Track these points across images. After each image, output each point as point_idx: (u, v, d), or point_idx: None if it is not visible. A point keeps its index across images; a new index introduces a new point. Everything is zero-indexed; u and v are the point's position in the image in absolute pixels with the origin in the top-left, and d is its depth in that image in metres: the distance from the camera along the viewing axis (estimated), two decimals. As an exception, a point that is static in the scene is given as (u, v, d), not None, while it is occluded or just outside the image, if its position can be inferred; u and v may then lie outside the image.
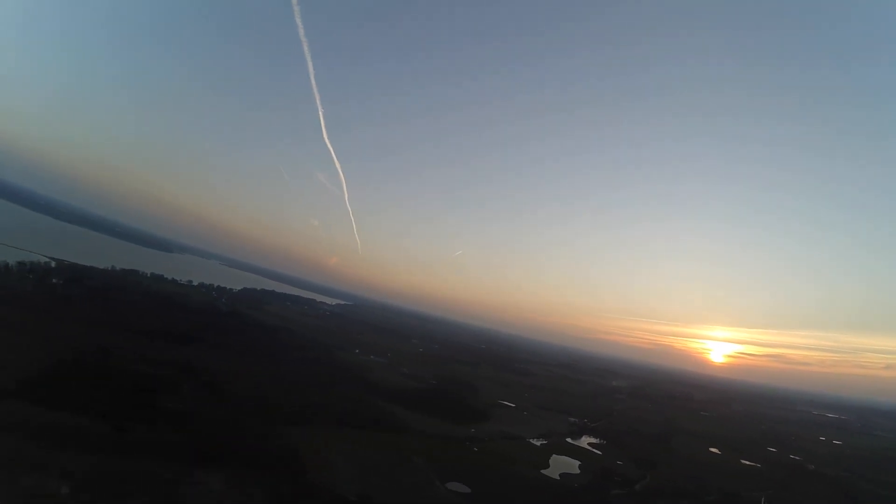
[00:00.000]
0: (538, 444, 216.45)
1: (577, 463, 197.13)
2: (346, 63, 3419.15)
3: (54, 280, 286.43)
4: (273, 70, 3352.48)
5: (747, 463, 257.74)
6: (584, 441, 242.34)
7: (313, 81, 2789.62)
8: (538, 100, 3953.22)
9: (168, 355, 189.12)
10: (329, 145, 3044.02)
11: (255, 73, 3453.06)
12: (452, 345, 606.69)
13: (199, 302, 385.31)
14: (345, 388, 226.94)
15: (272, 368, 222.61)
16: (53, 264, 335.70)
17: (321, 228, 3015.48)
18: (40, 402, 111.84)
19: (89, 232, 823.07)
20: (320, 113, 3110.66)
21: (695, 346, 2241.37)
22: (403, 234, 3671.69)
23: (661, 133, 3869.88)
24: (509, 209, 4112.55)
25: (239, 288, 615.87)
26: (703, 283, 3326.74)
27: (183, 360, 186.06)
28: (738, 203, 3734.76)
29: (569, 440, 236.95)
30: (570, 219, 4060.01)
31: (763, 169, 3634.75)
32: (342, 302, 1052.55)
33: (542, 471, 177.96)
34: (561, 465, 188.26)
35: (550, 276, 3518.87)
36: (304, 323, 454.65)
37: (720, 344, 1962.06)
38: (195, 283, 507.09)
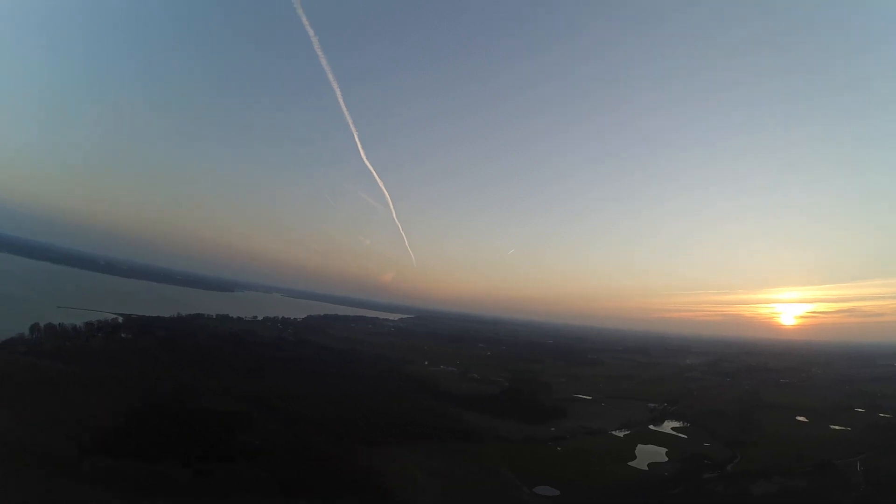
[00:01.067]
0: (621, 435, 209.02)
1: (664, 450, 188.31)
2: (370, 80, 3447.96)
3: (123, 335, 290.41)
4: (303, 101, 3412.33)
5: (837, 428, 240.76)
6: (667, 426, 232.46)
7: (343, 105, 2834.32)
8: (569, 88, 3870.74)
9: (241, 390, 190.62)
10: (368, 164, 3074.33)
11: (286, 106, 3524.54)
12: (519, 344, 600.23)
13: (266, 335, 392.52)
14: (419, 400, 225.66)
15: (345, 390, 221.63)
16: (121, 320, 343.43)
17: (373, 247, 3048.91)
18: (121, 454, 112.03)
19: (152, 284, 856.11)
20: (355, 135, 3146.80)
21: (763, 311, 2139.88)
22: (454, 240, 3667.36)
23: (695, 92, 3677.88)
24: (554, 199, 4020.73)
25: (303, 317, 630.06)
26: (763, 245, 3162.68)
27: (256, 393, 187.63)
28: (785, 154, 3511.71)
29: (651, 427, 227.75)
30: (617, 200, 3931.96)
31: (809, 109, 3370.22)
32: (405, 316, 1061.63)
33: (630, 463, 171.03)
34: (648, 455, 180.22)
35: (606, 261, 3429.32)
36: (370, 342, 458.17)
37: (789, 306, 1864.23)
38: (260, 318, 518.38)
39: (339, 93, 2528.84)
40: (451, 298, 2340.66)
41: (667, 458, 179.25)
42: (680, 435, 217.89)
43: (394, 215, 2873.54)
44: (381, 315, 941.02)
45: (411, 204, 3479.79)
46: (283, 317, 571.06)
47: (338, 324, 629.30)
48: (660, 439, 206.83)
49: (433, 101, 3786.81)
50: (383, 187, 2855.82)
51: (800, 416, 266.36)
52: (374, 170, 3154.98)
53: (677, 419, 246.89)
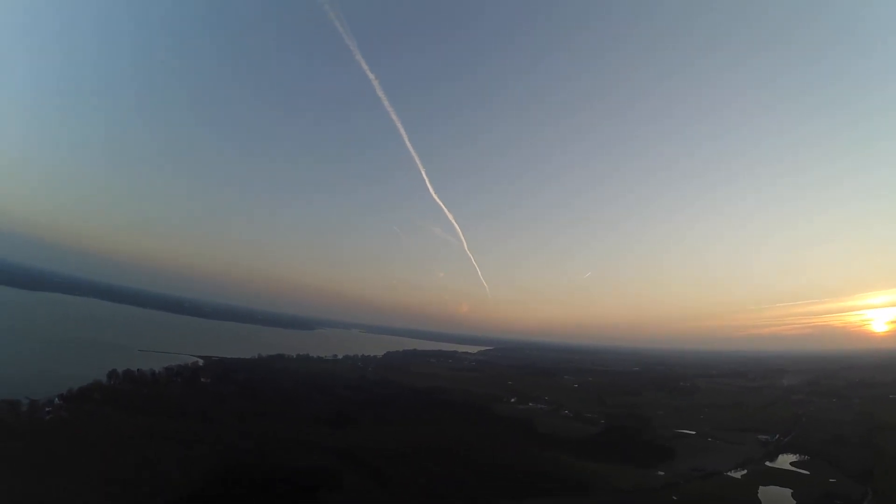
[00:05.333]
0: (738, 475, 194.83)
1: (789, 491, 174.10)
2: (434, 121, 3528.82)
3: (203, 379, 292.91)
4: (373, 147, 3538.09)
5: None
6: (785, 461, 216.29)
7: (410, 146, 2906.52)
8: (634, 101, 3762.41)
9: (325, 442, 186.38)
10: (437, 199, 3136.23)
11: (358, 153, 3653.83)
12: (605, 374, 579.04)
13: (347, 377, 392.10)
14: (515, 446, 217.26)
15: (434, 438, 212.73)
16: (201, 363, 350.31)
17: (447, 280, 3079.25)
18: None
19: (234, 324, 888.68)
20: (423, 172, 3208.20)
21: (853, 319, 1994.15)
22: (527, 267, 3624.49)
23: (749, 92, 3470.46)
24: (626, 215, 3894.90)
25: (382, 353, 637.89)
26: (844, 247, 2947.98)
27: (341, 446, 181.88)
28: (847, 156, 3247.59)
29: (768, 464, 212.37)
30: (693, 215, 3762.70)
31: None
32: (483, 348, 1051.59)
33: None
34: (773, 498, 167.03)
35: (687, 278, 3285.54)
36: (452, 378, 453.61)
37: (881, 311, 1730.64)
38: (340, 357, 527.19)
39: (405, 136, 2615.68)
40: (528, 327, 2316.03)
41: (794, 502, 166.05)
42: (801, 471, 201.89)
43: (465, 247, 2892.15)
44: (460, 348, 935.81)
45: (482, 234, 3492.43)
46: (362, 354, 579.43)
47: (418, 360, 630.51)
48: (781, 478, 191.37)
49: (495, 134, 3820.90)
50: (453, 220, 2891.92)
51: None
52: (443, 203, 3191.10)
53: (794, 451, 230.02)
